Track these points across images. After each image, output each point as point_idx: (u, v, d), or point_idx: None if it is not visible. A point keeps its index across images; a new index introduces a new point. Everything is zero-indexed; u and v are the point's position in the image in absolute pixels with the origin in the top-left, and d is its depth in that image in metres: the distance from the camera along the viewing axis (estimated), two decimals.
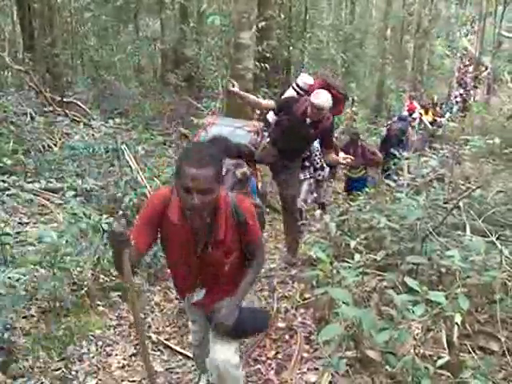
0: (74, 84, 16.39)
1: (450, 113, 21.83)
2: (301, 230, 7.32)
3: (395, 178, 7.56)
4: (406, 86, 24.92)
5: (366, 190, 7.83)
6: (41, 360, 4.42)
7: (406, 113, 16.36)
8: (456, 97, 24.66)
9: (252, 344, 4.89)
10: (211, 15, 12.21)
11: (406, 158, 8.03)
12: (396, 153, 10.38)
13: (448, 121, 17.98)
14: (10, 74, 15.12)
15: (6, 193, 6.98)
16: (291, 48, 16.30)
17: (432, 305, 3.36)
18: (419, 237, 4.71)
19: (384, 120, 18.53)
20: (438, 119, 17.80)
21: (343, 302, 3.41)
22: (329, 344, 3.75)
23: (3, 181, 7.56)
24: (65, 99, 13.22)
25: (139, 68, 19.44)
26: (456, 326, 3.38)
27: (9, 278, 4.41)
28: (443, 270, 4.25)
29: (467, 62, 27.17)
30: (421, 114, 16.65)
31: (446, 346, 3.48)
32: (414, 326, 3.39)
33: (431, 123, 17.13)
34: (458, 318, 3.26)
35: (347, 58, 21.63)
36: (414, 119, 15.94)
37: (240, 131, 5.58)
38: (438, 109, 19.46)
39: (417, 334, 3.41)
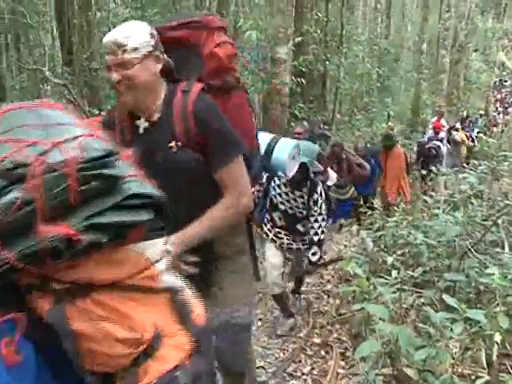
0: (111, 98, 16.60)
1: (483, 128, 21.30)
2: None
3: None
4: (441, 101, 24.74)
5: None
6: None
7: (431, 131, 15.37)
8: (499, 113, 24.35)
9: (287, 359, 4.89)
10: (248, 30, 12.30)
11: (443, 174, 7.96)
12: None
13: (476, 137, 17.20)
14: (49, 87, 15.36)
15: None
16: (327, 63, 16.32)
17: (471, 323, 3.33)
18: (458, 254, 4.67)
19: (420, 135, 18.36)
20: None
21: (380, 319, 3.39)
22: (365, 360, 3.73)
23: None
24: (102, 113, 13.38)
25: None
26: (495, 346, 3.33)
27: None
28: (482, 287, 4.20)
29: (497, 82, 26.86)
30: (456, 129, 15.58)
31: (485, 365, 3.43)
32: (452, 344, 3.36)
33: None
34: (497, 337, 3.22)
35: (383, 72, 21.62)
36: (441, 140, 13.92)
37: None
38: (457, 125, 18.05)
39: (455, 353, 3.37)
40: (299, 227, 5.47)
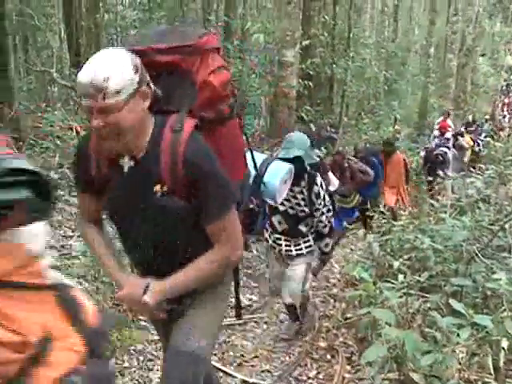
0: None
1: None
2: None
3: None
4: (448, 104, 24.68)
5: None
6: None
7: (437, 132, 15.15)
8: (505, 117, 24.25)
9: (293, 363, 4.87)
10: (255, 33, 12.32)
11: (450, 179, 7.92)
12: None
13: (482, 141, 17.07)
14: (56, 89, 15.37)
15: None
16: (334, 66, 16.29)
17: (477, 328, 3.31)
18: (464, 258, 4.65)
19: (427, 138, 18.30)
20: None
21: (386, 323, 3.38)
22: (371, 365, 3.72)
23: None
24: None
25: None
26: (502, 351, 3.31)
27: None
28: (489, 292, 4.18)
29: (504, 87, 26.74)
30: (461, 135, 15.25)
31: (492, 371, 3.41)
32: (459, 349, 3.35)
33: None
34: (504, 343, 3.20)
35: (390, 75, 21.59)
36: (448, 140, 13.81)
37: None
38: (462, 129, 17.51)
39: (462, 358, 3.36)
40: (301, 227, 5.07)
